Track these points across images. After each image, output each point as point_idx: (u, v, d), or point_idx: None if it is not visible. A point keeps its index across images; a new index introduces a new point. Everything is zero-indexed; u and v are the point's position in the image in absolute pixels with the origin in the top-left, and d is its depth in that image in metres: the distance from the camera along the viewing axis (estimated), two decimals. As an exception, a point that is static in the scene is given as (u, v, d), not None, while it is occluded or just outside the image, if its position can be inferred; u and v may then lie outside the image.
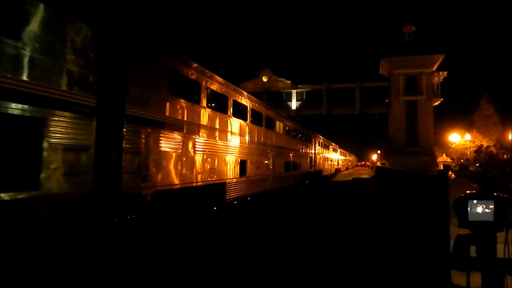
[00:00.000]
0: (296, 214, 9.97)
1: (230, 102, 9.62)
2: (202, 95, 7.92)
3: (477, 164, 24.20)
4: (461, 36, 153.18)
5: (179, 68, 7.06)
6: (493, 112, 40.87)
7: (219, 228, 7.37)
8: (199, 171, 7.75)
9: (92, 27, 4.67)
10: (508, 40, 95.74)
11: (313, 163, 23.25)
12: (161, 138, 6.29)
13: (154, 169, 6.05)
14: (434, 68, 36.07)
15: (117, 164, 4.96)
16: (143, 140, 5.76)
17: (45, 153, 3.95)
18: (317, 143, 25.12)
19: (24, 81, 3.76)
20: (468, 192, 1.94)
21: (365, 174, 42.57)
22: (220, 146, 8.92)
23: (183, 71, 7.25)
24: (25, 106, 3.75)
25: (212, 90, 8.59)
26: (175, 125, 6.80)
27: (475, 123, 41.16)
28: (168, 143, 6.53)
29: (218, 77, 8.78)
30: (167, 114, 6.52)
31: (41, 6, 3.97)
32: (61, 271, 3.95)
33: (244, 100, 10.87)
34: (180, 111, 7.01)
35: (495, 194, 1.91)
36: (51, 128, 4.03)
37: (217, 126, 8.72)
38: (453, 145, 38.96)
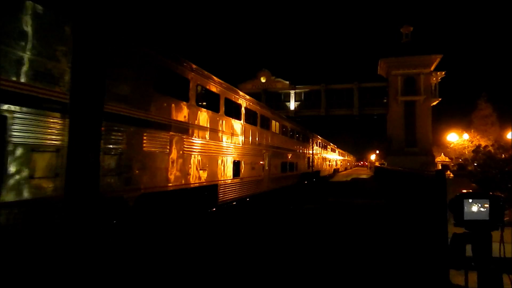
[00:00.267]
0: (292, 217, 9.62)
1: (222, 100, 9.23)
2: (191, 92, 7.53)
3: (476, 164, 24.06)
4: (459, 36, 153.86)
5: (166, 64, 6.68)
6: (491, 112, 40.91)
7: (209, 233, 7.00)
8: (188, 173, 7.36)
9: (61, 12, 4.26)
10: (506, 39, 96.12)
11: (311, 164, 22.95)
12: (145, 137, 5.90)
13: (137, 171, 5.66)
14: (432, 68, 36.01)
15: (94, 166, 4.58)
16: (125, 140, 5.37)
17: (4, 155, 3.56)
18: (315, 143, 24.84)
19: None
20: (464, 191, 1.95)
21: (364, 174, 42.51)
22: (212, 146, 8.54)
23: (171, 66, 6.87)
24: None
25: (202, 88, 8.21)
26: (162, 124, 6.40)
27: (473, 123, 41.18)
28: (154, 143, 6.14)
29: (209, 74, 8.40)
30: (152, 112, 6.13)
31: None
32: None
33: (238, 99, 10.49)
34: (167, 109, 6.62)
35: (491, 193, 1.93)
36: (12, 127, 3.64)
37: (208, 125, 8.34)
38: (451, 145, 38.87)
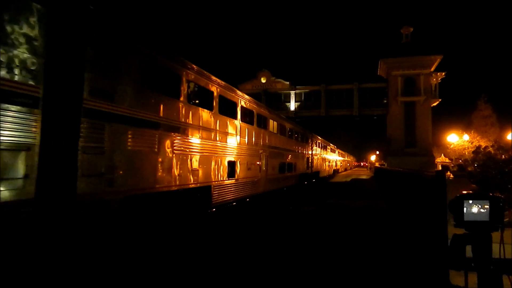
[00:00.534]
0: (289, 219, 9.25)
1: (216, 98, 8.85)
2: (182, 89, 7.15)
3: (476, 165, 23.81)
4: (459, 37, 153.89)
5: (155, 58, 6.30)
6: (491, 113, 40.84)
7: (202, 237, 6.62)
8: (180, 174, 6.98)
9: None
10: (506, 40, 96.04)
11: (310, 164, 22.60)
12: (130, 136, 5.52)
13: (121, 172, 5.27)
14: (432, 69, 35.77)
15: (70, 166, 4.19)
16: (108, 138, 4.99)
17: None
18: (314, 143, 24.49)
19: None
20: (464, 192, 1.93)
21: (364, 175, 42.38)
22: (205, 145, 8.15)
23: (160, 61, 6.49)
24: None
25: (195, 84, 7.83)
26: (149, 122, 6.02)
27: (473, 124, 41.10)
28: (140, 142, 5.76)
29: (202, 70, 8.02)
30: (139, 109, 5.75)
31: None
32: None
33: (233, 97, 10.11)
34: (155, 106, 6.24)
35: (490, 194, 1.92)
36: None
37: (200, 123, 7.95)
38: (451, 146, 38.73)
